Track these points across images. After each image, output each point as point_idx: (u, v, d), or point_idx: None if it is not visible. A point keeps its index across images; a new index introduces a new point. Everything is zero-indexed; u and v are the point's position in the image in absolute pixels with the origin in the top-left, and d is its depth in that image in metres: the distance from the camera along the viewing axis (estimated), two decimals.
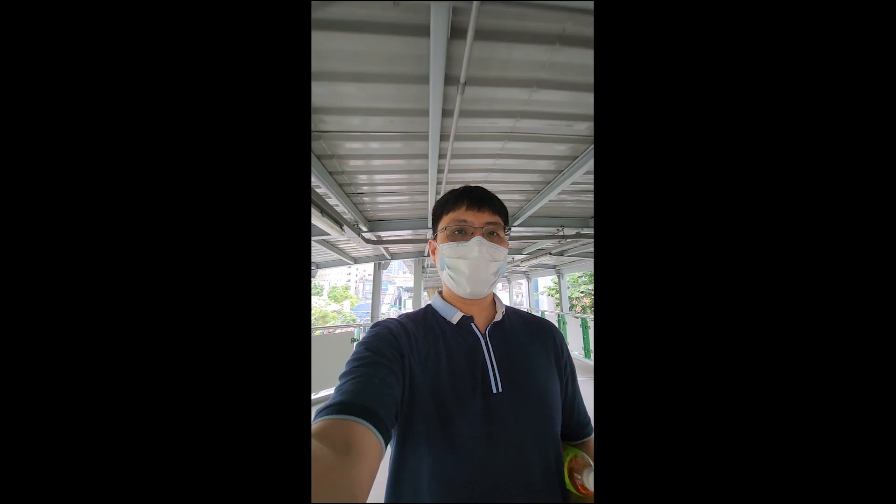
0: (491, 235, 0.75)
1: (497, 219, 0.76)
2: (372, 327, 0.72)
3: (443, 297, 0.82)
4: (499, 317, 0.79)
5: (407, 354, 0.67)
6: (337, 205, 3.08)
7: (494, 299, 0.84)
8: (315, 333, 4.95)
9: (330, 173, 2.68)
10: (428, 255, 2.99)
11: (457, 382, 0.66)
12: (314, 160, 2.31)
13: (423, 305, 0.85)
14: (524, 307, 12.03)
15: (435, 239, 0.82)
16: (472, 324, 0.77)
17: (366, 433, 0.48)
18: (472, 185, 0.82)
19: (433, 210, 0.83)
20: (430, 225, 0.92)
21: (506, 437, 0.63)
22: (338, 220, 3.04)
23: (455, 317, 0.77)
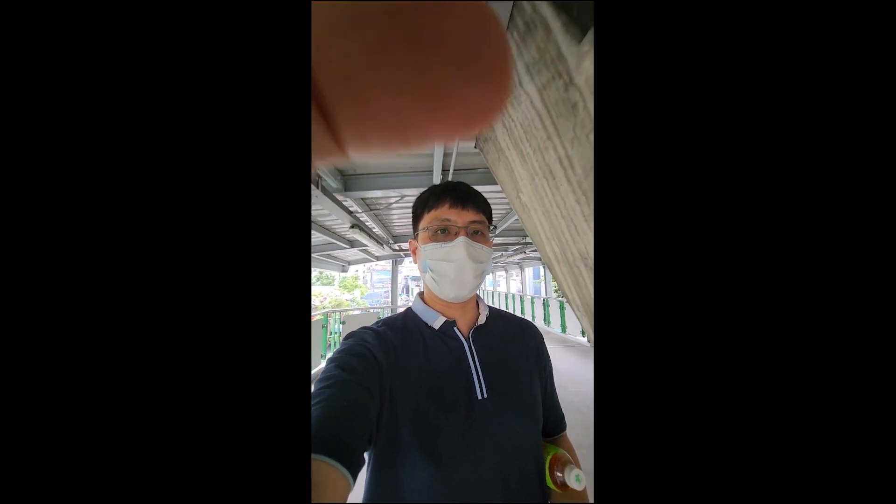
0: (476, 235, 0.70)
1: (481, 217, 0.71)
2: (345, 339, 0.66)
3: (424, 301, 0.76)
4: (482, 319, 0.75)
5: (385, 368, 0.61)
6: (374, 228, 4.69)
7: (478, 300, 0.79)
8: (340, 316, 6.54)
9: (368, 206, 4.23)
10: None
11: (440, 392, 0.62)
12: (360, 200, 3.73)
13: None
14: (520, 293, 13.50)
15: (416, 238, 0.75)
16: (455, 328, 0.72)
17: (328, 472, 0.43)
18: (454, 180, 0.75)
19: (413, 207, 0.76)
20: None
21: (490, 442, 0.61)
22: (379, 241, 4.64)
23: (437, 321, 0.71)
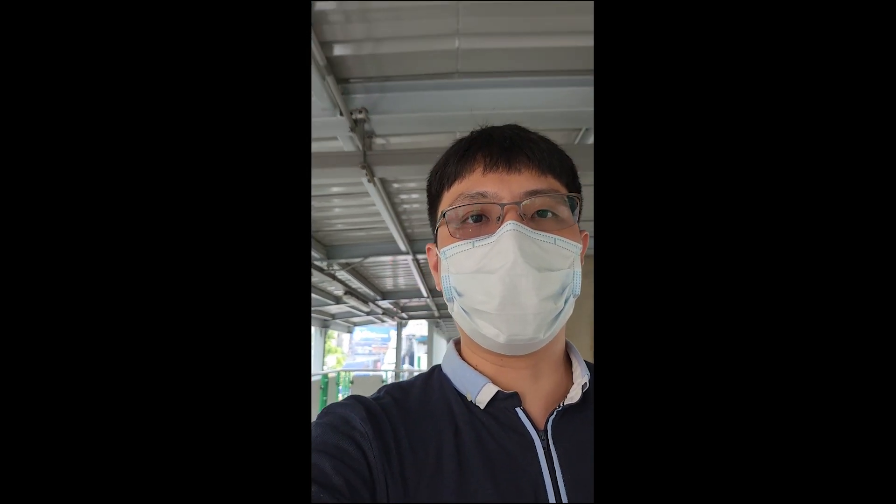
0: (542, 218, 0.41)
1: (550, 182, 0.42)
2: (320, 418, 0.41)
3: (460, 354, 0.46)
4: (575, 394, 0.42)
5: (381, 479, 0.36)
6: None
7: (569, 352, 0.47)
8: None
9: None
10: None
11: None
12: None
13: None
14: None
15: (435, 242, 0.47)
16: (520, 409, 0.41)
17: None
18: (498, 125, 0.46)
19: (428, 184, 0.48)
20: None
21: None
22: (401, 307, 5.10)
23: (482, 393, 0.41)
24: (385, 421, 0.40)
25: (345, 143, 1.79)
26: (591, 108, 1.46)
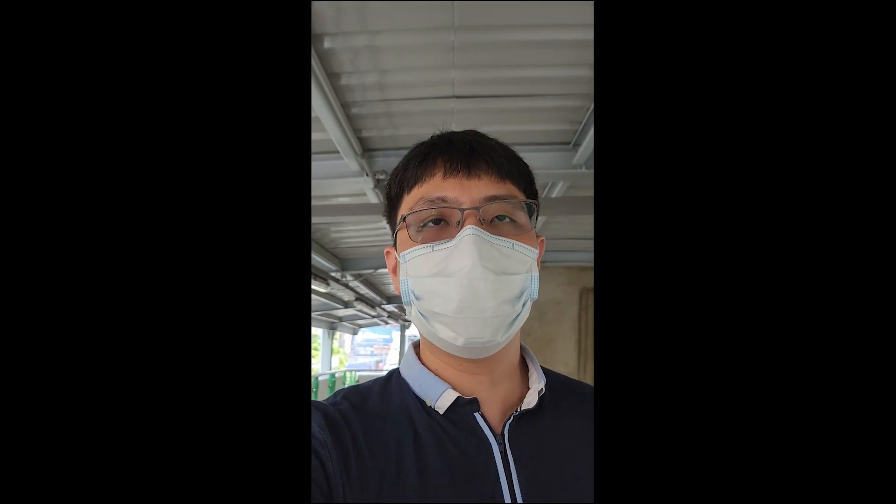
0: (501, 222, 0.42)
1: (509, 188, 0.43)
2: None
3: (420, 358, 0.47)
4: (532, 399, 0.44)
5: (338, 487, 0.37)
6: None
7: (525, 358, 0.48)
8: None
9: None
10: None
11: None
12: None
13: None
14: None
15: (394, 245, 0.47)
16: (478, 414, 0.42)
17: None
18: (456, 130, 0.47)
19: (387, 187, 0.49)
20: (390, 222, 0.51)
21: None
22: (403, 310, 5.66)
23: (442, 398, 0.42)
24: (343, 427, 0.40)
25: (371, 196, 2.38)
26: (556, 170, 2.28)
